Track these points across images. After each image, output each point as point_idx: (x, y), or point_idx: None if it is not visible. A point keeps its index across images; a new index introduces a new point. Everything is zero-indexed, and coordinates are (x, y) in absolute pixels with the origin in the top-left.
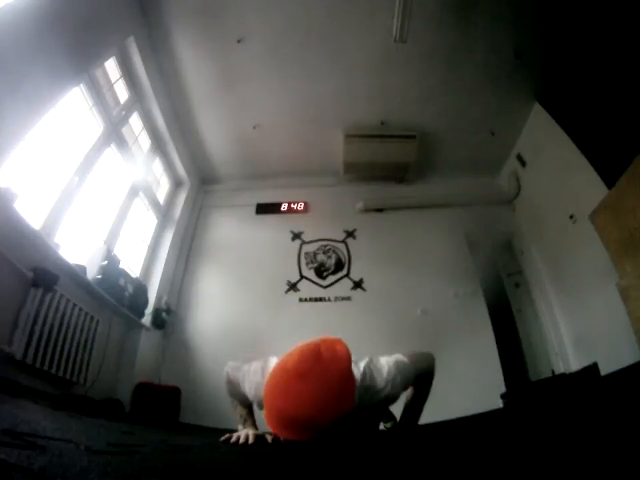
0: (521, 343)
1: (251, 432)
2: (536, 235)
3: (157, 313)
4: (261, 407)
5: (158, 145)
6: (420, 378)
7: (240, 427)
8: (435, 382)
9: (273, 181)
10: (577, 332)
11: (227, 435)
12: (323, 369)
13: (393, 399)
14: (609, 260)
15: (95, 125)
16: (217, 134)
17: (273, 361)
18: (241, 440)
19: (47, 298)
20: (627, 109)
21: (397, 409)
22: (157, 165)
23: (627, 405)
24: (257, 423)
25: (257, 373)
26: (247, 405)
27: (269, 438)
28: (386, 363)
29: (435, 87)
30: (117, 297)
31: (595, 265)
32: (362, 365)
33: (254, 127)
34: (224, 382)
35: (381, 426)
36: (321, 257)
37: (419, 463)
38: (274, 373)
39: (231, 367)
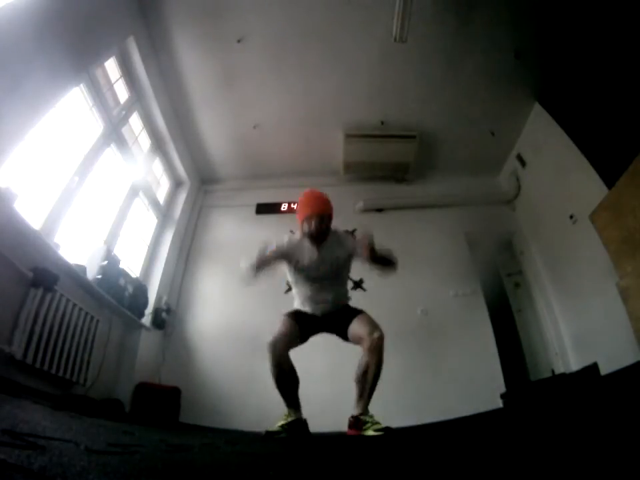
0: (521, 342)
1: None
2: (536, 235)
3: (156, 312)
4: (292, 255)
5: (158, 145)
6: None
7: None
8: (434, 382)
9: (272, 181)
10: (576, 332)
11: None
12: (320, 192)
13: (348, 245)
14: (608, 260)
15: (95, 125)
16: (217, 134)
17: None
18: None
19: (47, 298)
20: (627, 109)
21: None
22: (157, 165)
23: (626, 405)
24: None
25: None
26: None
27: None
28: None
29: (435, 87)
30: (117, 297)
31: (595, 265)
32: None
33: (254, 127)
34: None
35: (369, 433)
36: None
37: (419, 462)
38: (303, 193)
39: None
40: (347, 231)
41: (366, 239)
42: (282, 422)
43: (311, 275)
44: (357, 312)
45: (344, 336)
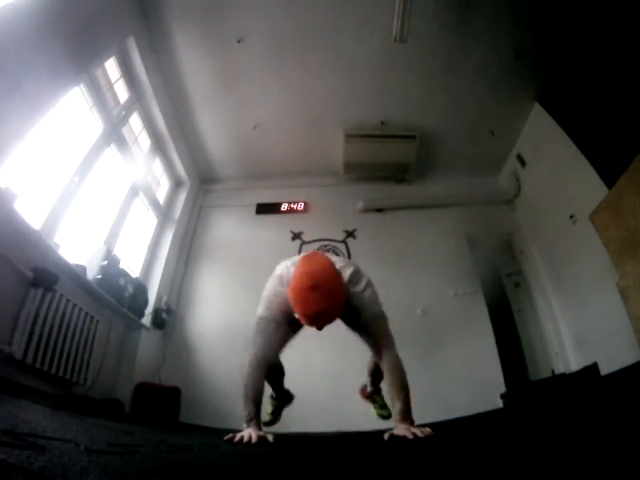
0: (521, 342)
1: (254, 433)
2: (536, 235)
3: (156, 312)
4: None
5: (158, 145)
6: (387, 365)
7: (245, 425)
8: (434, 382)
9: (272, 181)
10: (577, 332)
11: (230, 435)
12: (323, 279)
13: (367, 306)
14: (608, 260)
15: (95, 125)
16: (217, 134)
17: (278, 270)
18: (245, 439)
19: (47, 298)
20: (627, 109)
21: None
22: (157, 165)
23: (626, 405)
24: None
25: (269, 289)
26: (258, 402)
27: (270, 438)
28: (364, 276)
29: (435, 86)
30: (117, 297)
31: (595, 265)
32: (348, 272)
33: (254, 127)
34: (247, 367)
35: (374, 411)
36: None
37: (419, 462)
38: (292, 289)
39: (252, 344)
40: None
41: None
42: (270, 408)
43: None
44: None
45: (351, 325)
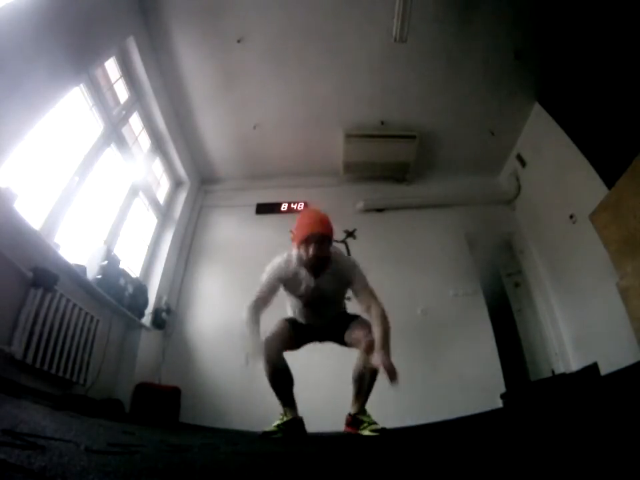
0: (521, 342)
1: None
2: (536, 235)
3: (157, 312)
4: (287, 278)
5: (158, 145)
6: (371, 305)
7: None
8: (434, 382)
9: (273, 181)
10: (576, 332)
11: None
12: (320, 211)
13: (349, 276)
14: (608, 260)
15: (95, 125)
16: (217, 134)
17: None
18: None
19: (47, 298)
20: (627, 109)
21: None
22: (157, 165)
23: (626, 405)
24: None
25: (278, 258)
26: (257, 320)
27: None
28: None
29: (435, 86)
30: (117, 297)
31: (595, 265)
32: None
33: (254, 127)
34: (247, 309)
35: (366, 432)
36: None
37: (419, 462)
38: (301, 213)
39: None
40: (347, 256)
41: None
42: (278, 421)
43: (306, 301)
44: (353, 317)
45: (341, 341)
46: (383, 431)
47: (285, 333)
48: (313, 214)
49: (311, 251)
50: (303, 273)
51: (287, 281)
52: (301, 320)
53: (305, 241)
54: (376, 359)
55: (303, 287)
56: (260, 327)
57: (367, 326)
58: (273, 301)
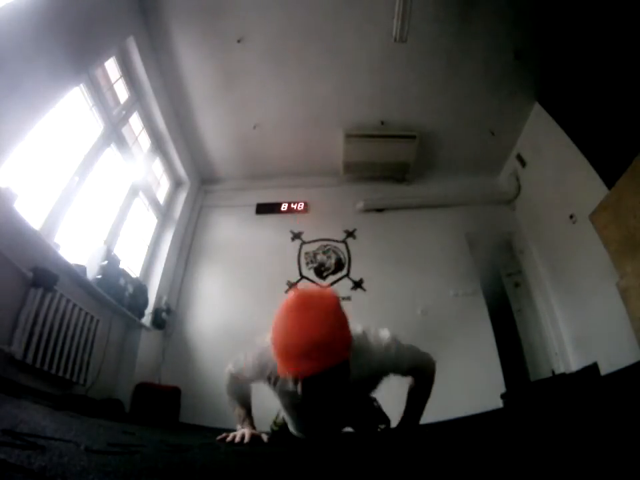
0: (521, 342)
1: (247, 431)
2: (536, 235)
3: (156, 312)
4: (270, 379)
5: (158, 145)
6: (418, 375)
7: (238, 426)
8: (435, 382)
9: (273, 181)
10: (577, 332)
11: (223, 435)
12: (318, 299)
13: (384, 372)
14: (608, 260)
15: (95, 125)
16: (217, 134)
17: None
18: (237, 439)
19: (47, 298)
20: (627, 109)
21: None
22: (157, 165)
23: (626, 405)
24: (256, 423)
25: (255, 348)
26: (246, 405)
27: (265, 437)
28: (387, 333)
29: (435, 86)
30: (117, 297)
31: (595, 265)
32: (359, 327)
33: (254, 127)
34: (225, 382)
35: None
36: (320, 257)
37: (419, 462)
38: (276, 317)
39: (232, 364)
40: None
41: None
42: (274, 420)
43: (305, 415)
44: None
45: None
46: (388, 423)
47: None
48: (295, 332)
49: (299, 390)
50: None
51: (272, 384)
52: (292, 429)
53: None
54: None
55: (298, 404)
56: (250, 397)
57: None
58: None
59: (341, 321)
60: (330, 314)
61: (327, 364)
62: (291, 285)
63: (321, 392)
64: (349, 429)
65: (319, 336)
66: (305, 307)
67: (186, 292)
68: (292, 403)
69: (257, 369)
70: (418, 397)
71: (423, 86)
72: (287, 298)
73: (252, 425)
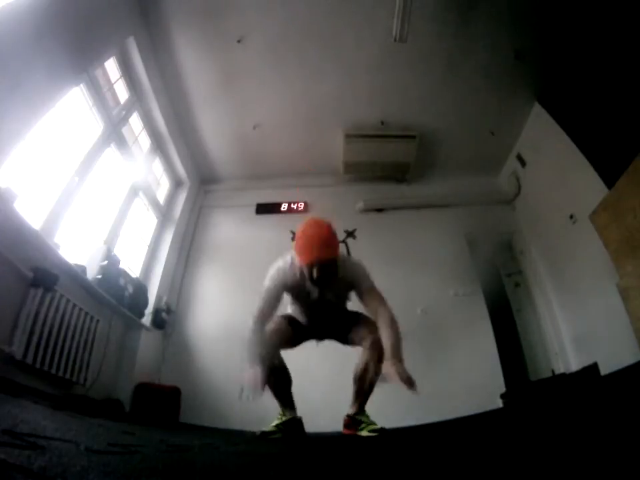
0: (521, 342)
1: (260, 372)
2: (536, 235)
3: (156, 313)
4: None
5: (158, 145)
6: (377, 306)
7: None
8: (434, 382)
9: (272, 181)
10: (577, 332)
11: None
12: (323, 221)
13: (354, 277)
14: (609, 260)
15: (95, 125)
16: (217, 134)
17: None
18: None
19: (47, 298)
20: (627, 109)
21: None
22: (157, 165)
23: (627, 405)
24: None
25: (281, 263)
26: (265, 347)
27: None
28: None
29: (435, 87)
30: (117, 297)
31: (595, 265)
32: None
33: (254, 127)
34: (251, 324)
35: (364, 433)
36: None
37: (419, 463)
38: (299, 230)
39: (257, 302)
40: (350, 258)
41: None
42: (277, 421)
43: (309, 307)
44: (355, 315)
45: (342, 340)
46: (382, 431)
47: (284, 330)
48: (315, 233)
49: (315, 274)
50: (308, 284)
51: (291, 288)
52: (300, 319)
53: (309, 265)
54: (389, 370)
55: (307, 296)
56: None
57: (371, 323)
58: (278, 309)
59: (335, 234)
60: (330, 228)
61: (331, 254)
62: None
63: (327, 274)
64: None
65: (327, 236)
66: (317, 223)
67: (186, 292)
68: (304, 302)
69: (287, 272)
70: (392, 335)
71: (423, 86)
72: (304, 220)
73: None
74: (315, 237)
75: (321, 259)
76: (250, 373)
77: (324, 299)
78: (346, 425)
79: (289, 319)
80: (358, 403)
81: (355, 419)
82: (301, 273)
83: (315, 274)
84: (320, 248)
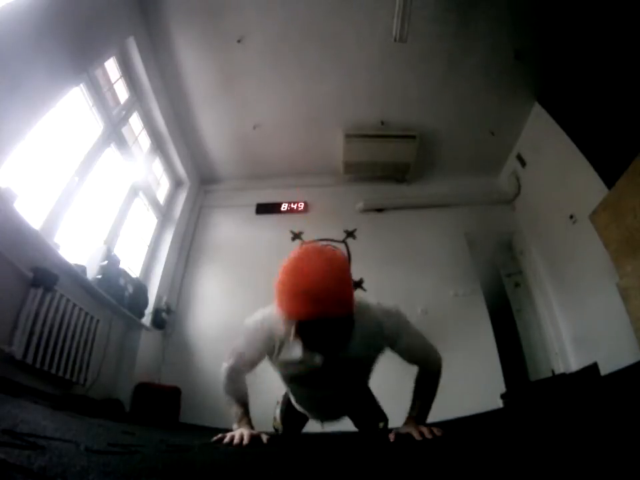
0: (521, 342)
1: (246, 432)
2: (536, 235)
3: (156, 313)
4: (275, 347)
5: (158, 145)
6: (421, 364)
7: (235, 425)
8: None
9: (272, 181)
10: (577, 332)
11: (220, 435)
12: (331, 251)
13: (383, 340)
14: (608, 260)
15: (95, 125)
16: (217, 134)
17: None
18: (236, 440)
19: (47, 298)
20: (627, 109)
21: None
22: (157, 165)
23: (627, 405)
24: (255, 423)
25: (253, 323)
26: (244, 403)
27: (264, 438)
28: (392, 304)
29: (435, 87)
30: (117, 297)
31: (595, 265)
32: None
33: (254, 127)
34: (222, 380)
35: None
36: None
37: (419, 462)
38: (286, 262)
39: (229, 356)
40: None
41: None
42: (276, 418)
43: (309, 387)
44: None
45: (359, 426)
46: (387, 422)
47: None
48: (306, 268)
49: (305, 335)
50: (301, 350)
51: (275, 356)
52: (297, 407)
53: (297, 326)
54: (409, 429)
55: (302, 369)
56: (247, 396)
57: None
58: (255, 370)
59: (349, 275)
60: (342, 265)
61: (334, 312)
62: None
63: (323, 340)
64: (348, 421)
65: (331, 280)
66: (319, 254)
67: (186, 292)
68: (294, 373)
69: (264, 334)
70: (423, 393)
71: (423, 86)
72: (297, 252)
73: (250, 424)
74: (306, 278)
75: (314, 318)
76: (236, 432)
77: (332, 373)
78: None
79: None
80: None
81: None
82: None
83: (307, 335)
84: (311, 298)
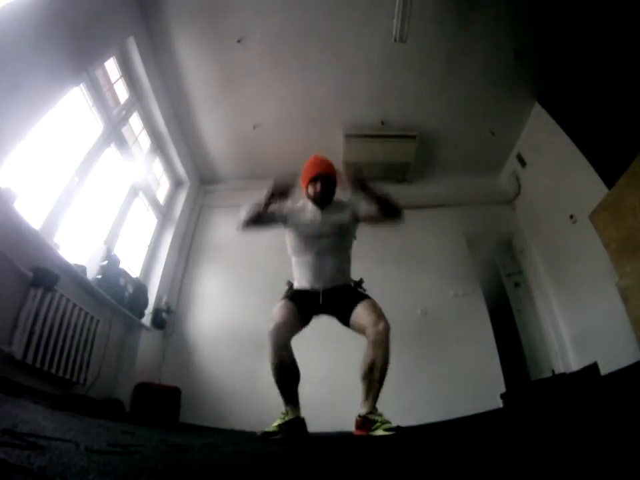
0: (521, 342)
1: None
2: (536, 234)
3: (156, 312)
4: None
5: (158, 145)
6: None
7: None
8: (434, 382)
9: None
10: (576, 332)
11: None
12: (325, 156)
13: (350, 211)
14: (608, 260)
15: (95, 125)
16: (216, 134)
17: None
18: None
19: (47, 298)
20: (627, 109)
21: None
22: (157, 165)
23: (627, 405)
24: (255, 423)
25: None
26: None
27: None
28: None
29: (435, 86)
30: (117, 297)
31: (595, 265)
32: None
33: (254, 127)
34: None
35: (379, 432)
36: None
37: (419, 462)
38: (306, 162)
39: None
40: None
41: (351, 172)
42: (279, 421)
43: (311, 235)
44: (361, 296)
45: (345, 321)
46: (398, 429)
47: (292, 315)
48: (319, 158)
49: (318, 187)
50: (310, 206)
51: (293, 210)
52: (304, 284)
53: (312, 180)
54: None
55: (308, 218)
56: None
57: (373, 311)
58: (269, 221)
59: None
60: (329, 160)
61: (332, 171)
62: (291, 285)
63: (328, 189)
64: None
65: (328, 161)
66: (319, 155)
67: (186, 292)
68: (304, 226)
69: (290, 204)
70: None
71: (423, 86)
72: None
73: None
74: (317, 159)
75: (324, 173)
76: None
77: (325, 222)
78: (358, 426)
79: (292, 298)
80: (369, 401)
81: (368, 419)
82: (304, 199)
83: (318, 187)
84: (322, 165)
